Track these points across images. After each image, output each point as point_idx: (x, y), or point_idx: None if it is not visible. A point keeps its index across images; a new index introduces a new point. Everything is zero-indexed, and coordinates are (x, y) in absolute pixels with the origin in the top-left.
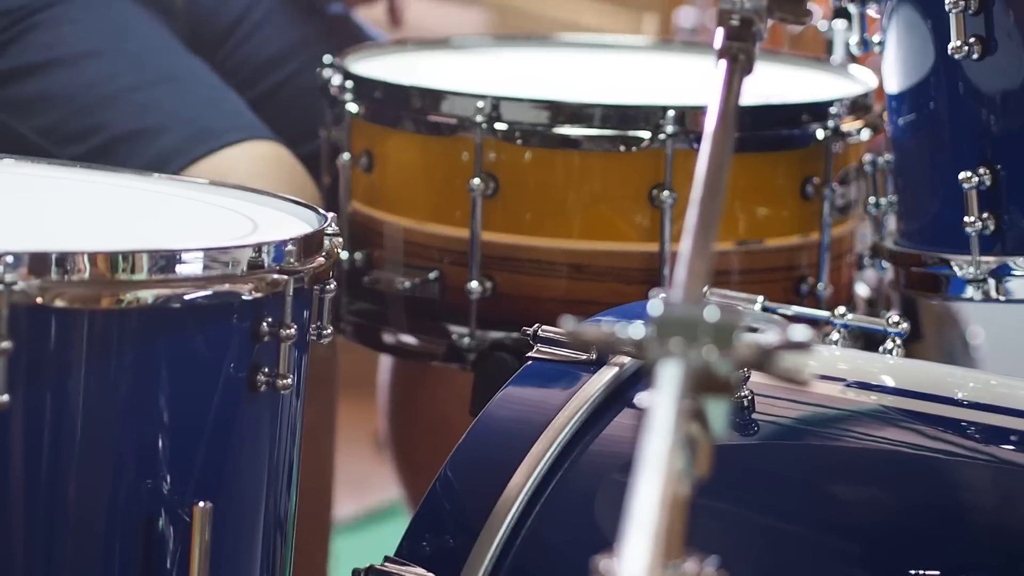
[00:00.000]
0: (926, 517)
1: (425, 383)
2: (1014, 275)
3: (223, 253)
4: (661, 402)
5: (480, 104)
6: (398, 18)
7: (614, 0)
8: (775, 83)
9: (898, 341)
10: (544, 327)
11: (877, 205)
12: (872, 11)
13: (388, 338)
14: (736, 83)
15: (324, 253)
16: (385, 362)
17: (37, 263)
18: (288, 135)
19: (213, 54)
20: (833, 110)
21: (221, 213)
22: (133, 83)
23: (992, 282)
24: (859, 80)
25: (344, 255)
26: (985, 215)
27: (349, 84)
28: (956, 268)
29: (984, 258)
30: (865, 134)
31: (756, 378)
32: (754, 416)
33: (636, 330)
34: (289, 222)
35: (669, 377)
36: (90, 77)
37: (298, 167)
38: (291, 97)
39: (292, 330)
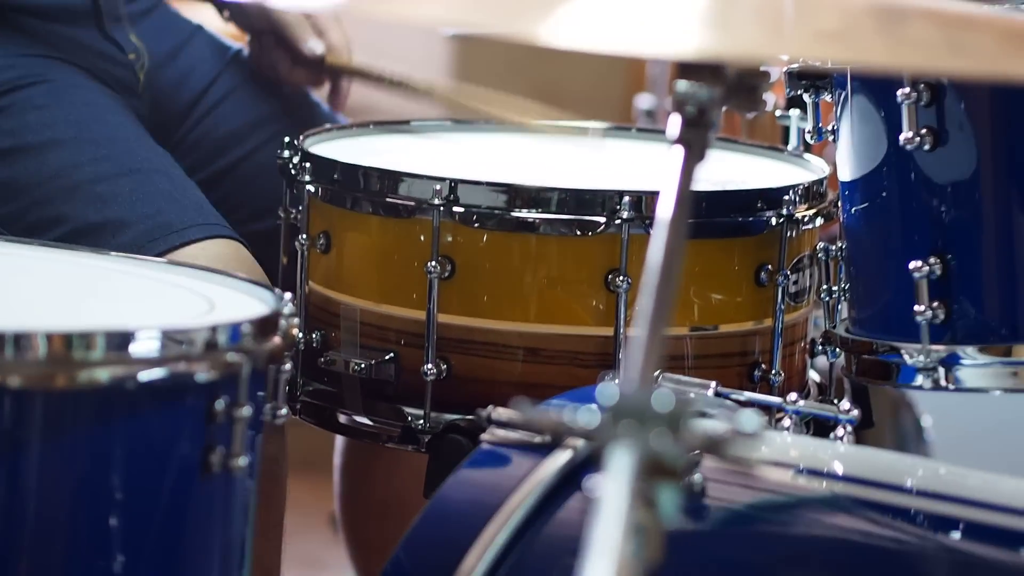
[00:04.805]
0: None
1: (379, 465)
2: (963, 364)
3: (179, 333)
4: (612, 487)
5: (438, 187)
6: (340, 102)
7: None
8: (730, 170)
9: (849, 428)
10: (498, 409)
11: (830, 292)
12: (827, 98)
13: (343, 419)
14: (690, 170)
15: (280, 334)
16: (340, 444)
17: None
18: (245, 211)
19: (174, 130)
20: (787, 197)
21: (178, 293)
22: (95, 175)
23: (942, 371)
24: (813, 168)
25: (300, 336)
26: (935, 304)
27: (308, 165)
28: (906, 356)
29: (934, 347)
30: (818, 221)
31: (708, 462)
32: (705, 501)
33: (588, 415)
34: (245, 303)
35: (620, 462)
36: (52, 167)
37: (256, 267)
38: (249, 174)
39: (247, 410)
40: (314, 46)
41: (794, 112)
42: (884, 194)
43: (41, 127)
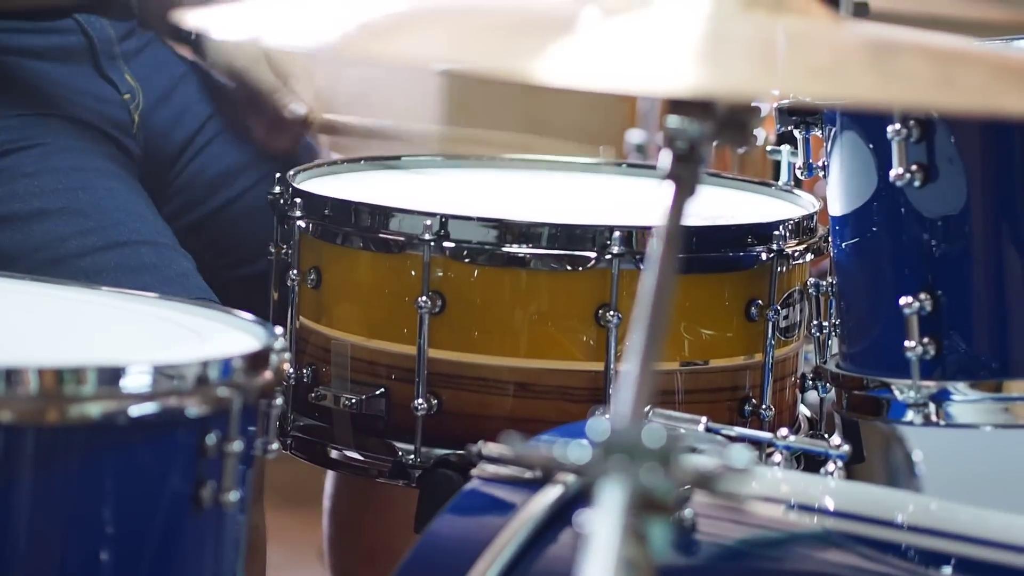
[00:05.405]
0: None
1: (368, 509)
2: (954, 400)
3: (170, 368)
4: (602, 522)
5: (428, 222)
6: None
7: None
8: (721, 205)
9: (839, 463)
10: (489, 445)
11: (820, 327)
12: (818, 134)
13: (334, 454)
14: (681, 205)
15: (271, 369)
16: (329, 488)
17: None
18: (235, 255)
19: (165, 172)
20: (777, 233)
21: (168, 327)
22: (80, 248)
23: (932, 406)
24: (803, 203)
25: (291, 371)
26: (926, 340)
27: (298, 201)
28: (897, 392)
29: (924, 382)
30: (809, 257)
31: (699, 497)
32: (696, 537)
33: (579, 450)
34: (236, 337)
35: (611, 497)
36: (38, 239)
37: None
38: (239, 215)
39: (238, 445)
40: (296, 108)
41: (785, 147)
42: (874, 229)
43: (29, 196)
